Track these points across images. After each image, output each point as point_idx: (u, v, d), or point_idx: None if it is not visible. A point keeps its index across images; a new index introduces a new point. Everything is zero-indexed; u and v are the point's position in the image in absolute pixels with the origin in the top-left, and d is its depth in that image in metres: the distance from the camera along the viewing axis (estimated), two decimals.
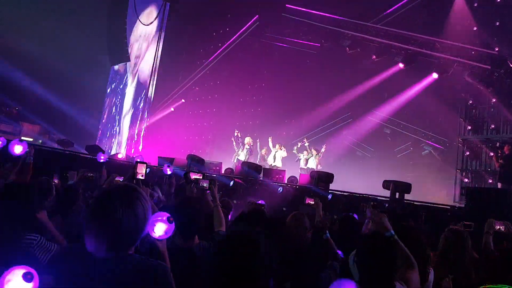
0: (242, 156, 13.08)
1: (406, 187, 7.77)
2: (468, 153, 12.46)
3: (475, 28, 12.12)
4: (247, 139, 13.46)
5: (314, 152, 12.97)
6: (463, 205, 7.41)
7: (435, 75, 12.40)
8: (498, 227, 4.09)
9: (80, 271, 1.42)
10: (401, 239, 2.26)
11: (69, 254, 1.53)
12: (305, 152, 13.20)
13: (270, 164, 13.04)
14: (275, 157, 13.27)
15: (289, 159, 13.92)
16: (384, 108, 15.73)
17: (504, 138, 11.57)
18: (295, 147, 13.66)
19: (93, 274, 1.41)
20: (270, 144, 13.50)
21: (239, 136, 13.75)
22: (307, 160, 13.08)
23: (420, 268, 2.29)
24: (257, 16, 15.89)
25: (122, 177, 4.11)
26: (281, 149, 13.42)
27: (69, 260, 1.48)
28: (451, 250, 3.12)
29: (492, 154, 10.89)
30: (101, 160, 5.39)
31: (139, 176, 3.18)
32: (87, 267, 1.42)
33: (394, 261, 1.89)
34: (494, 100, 12.08)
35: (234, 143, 13.71)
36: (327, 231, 2.85)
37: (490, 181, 11.31)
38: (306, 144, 13.49)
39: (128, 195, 1.46)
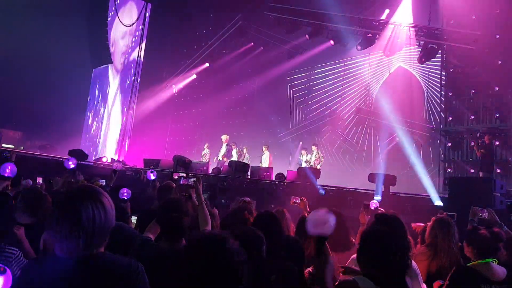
0: (220, 155, 13.04)
1: (391, 180, 7.87)
2: (450, 144, 12.70)
3: None
4: (224, 137, 13.37)
5: (314, 148, 12.73)
6: (446, 195, 7.54)
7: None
8: (481, 214, 4.20)
9: (54, 275, 1.40)
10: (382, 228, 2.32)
11: (42, 261, 1.52)
12: (303, 152, 12.95)
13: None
14: (262, 159, 13.19)
15: (279, 157, 13.93)
16: (368, 101, 15.93)
17: (483, 128, 11.83)
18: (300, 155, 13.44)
19: (68, 276, 1.40)
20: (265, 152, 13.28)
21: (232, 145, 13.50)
22: (308, 161, 12.84)
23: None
24: (240, 14, 15.87)
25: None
26: (267, 151, 13.32)
27: (42, 266, 1.47)
28: (438, 238, 3.21)
29: (473, 144, 11.12)
30: (71, 167, 5.09)
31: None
32: (61, 271, 1.41)
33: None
34: (473, 91, 12.34)
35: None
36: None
37: (472, 170, 11.56)
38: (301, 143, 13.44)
39: (94, 193, 1.49)
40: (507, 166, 11.25)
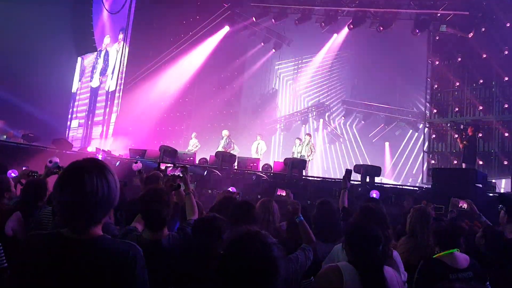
0: (221, 148, 12.83)
1: (376, 171, 7.99)
2: (434, 135, 12.91)
3: None
4: (225, 132, 13.23)
5: (307, 138, 12.48)
6: (430, 186, 7.69)
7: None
8: (461, 205, 4.30)
9: (53, 254, 1.40)
10: (364, 218, 2.39)
11: (42, 238, 1.49)
12: (297, 141, 12.72)
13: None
14: (257, 149, 13.03)
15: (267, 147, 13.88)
16: (355, 92, 16.07)
17: (467, 120, 12.06)
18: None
19: (66, 256, 1.39)
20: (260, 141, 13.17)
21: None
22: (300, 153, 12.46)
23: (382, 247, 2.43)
24: (228, 4, 15.72)
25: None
26: (262, 140, 13.18)
27: (41, 243, 1.45)
28: (417, 228, 3.27)
29: (456, 136, 11.33)
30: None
31: None
32: (59, 250, 1.40)
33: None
34: (457, 84, 12.53)
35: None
36: (300, 214, 2.90)
37: (455, 162, 11.80)
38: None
39: (100, 166, 1.48)
40: (489, 158, 11.51)
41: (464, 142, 9.83)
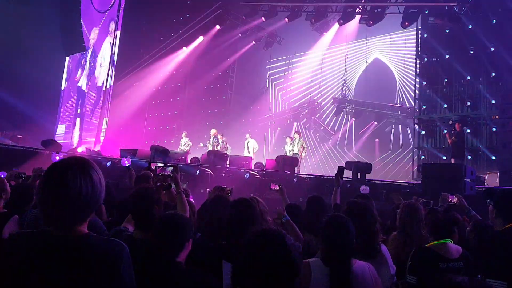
0: (210, 147, 12.78)
1: (367, 168, 8.05)
2: (423, 131, 13.05)
3: None
4: (213, 131, 13.20)
5: (296, 136, 12.41)
6: (420, 181, 7.77)
7: None
8: (450, 199, 4.35)
9: (37, 252, 1.39)
10: (351, 215, 2.42)
11: (27, 236, 1.48)
12: (288, 140, 12.61)
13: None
14: (248, 147, 13.02)
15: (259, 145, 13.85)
16: (344, 91, 16.15)
17: (456, 116, 12.21)
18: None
19: (51, 255, 1.38)
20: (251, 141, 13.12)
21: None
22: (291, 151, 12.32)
23: (368, 242, 2.54)
24: (219, 3, 15.67)
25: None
26: (251, 138, 13.14)
27: (26, 241, 1.44)
28: (407, 223, 3.30)
29: (445, 131, 11.46)
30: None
31: None
32: (44, 249, 1.39)
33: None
34: (446, 80, 12.67)
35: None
36: (286, 214, 2.94)
37: (444, 157, 11.94)
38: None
39: (83, 165, 1.47)
40: (477, 153, 11.67)
41: (453, 138, 9.96)
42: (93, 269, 1.39)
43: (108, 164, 8.47)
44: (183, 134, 13.72)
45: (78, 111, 17.57)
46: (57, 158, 5.92)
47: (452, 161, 9.91)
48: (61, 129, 17.87)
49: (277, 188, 4.16)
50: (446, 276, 1.27)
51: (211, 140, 12.84)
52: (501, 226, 2.92)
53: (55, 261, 1.38)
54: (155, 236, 2.07)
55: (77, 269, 1.38)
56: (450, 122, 11.00)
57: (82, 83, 17.82)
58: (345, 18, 13.79)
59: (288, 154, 11.95)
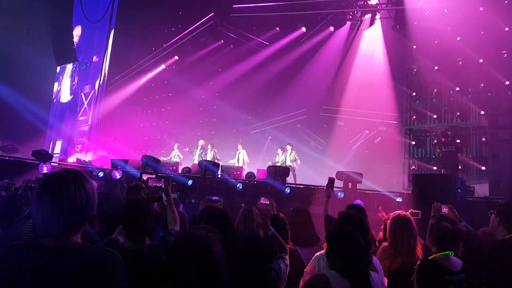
0: (197, 158, 12.72)
1: (358, 177, 8.08)
2: (414, 142, 13.18)
3: None
4: (200, 142, 13.19)
5: (288, 148, 12.42)
6: (410, 192, 7.81)
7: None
8: (443, 210, 4.38)
9: (31, 264, 1.41)
10: (343, 224, 2.44)
11: (19, 249, 1.49)
12: (279, 151, 12.64)
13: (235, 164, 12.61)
14: (239, 158, 13.04)
15: (250, 155, 13.87)
16: (334, 99, 16.22)
17: (445, 126, 12.36)
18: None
19: (45, 266, 1.40)
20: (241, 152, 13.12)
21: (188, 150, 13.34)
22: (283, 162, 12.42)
23: None
24: (212, 13, 15.80)
25: None
26: (243, 149, 13.12)
27: (19, 254, 1.45)
28: (397, 234, 3.30)
29: (435, 141, 11.59)
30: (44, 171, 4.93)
31: None
32: (38, 260, 1.42)
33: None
34: (435, 91, 12.86)
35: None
36: (271, 227, 2.96)
37: (435, 168, 12.04)
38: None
39: (77, 176, 1.52)
40: (467, 163, 11.80)
41: (443, 148, 10.05)
42: (87, 279, 1.42)
43: (101, 174, 8.40)
44: (175, 146, 13.68)
45: (70, 120, 17.44)
46: (45, 168, 5.85)
47: (442, 171, 9.99)
48: (52, 139, 17.69)
49: (268, 202, 4.17)
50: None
51: (198, 150, 12.82)
52: (502, 235, 2.97)
53: (50, 271, 1.40)
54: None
55: (72, 279, 1.41)
56: (441, 133, 11.08)
57: (73, 93, 17.72)
58: (336, 26, 14.06)
59: (279, 165, 11.94)
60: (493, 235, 3.31)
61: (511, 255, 2.55)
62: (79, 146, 16.01)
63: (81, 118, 16.81)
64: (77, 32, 17.69)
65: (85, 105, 16.84)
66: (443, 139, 10.09)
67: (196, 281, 1.40)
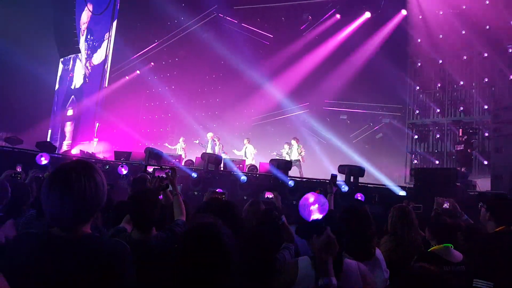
0: (209, 150, 12.70)
1: (359, 171, 8.10)
2: (416, 136, 13.17)
3: None
4: (209, 134, 13.18)
5: (293, 142, 12.35)
6: (412, 185, 7.84)
7: None
8: (445, 204, 4.42)
9: (41, 254, 1.42)
10: (348, 218, 2.47)
11: (30, 237, 1.51)
12: (285, 146, 12.57)
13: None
14: (246, 153, 12.90)
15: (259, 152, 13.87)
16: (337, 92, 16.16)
17: (449, 121, 12.34)
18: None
19: (55, 255, 1.42)
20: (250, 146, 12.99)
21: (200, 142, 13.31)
22: (289, 155, 12.29)
23: (363, 245, 2.56)
24: (215, 6, 15.74)
25: None
26: (249, 144, 13.04)
27: (29, 242, 1.47)
28: (398, 226, 3.35)
29: (438, 136, 11.58)
30: (42, 163, 4.94)
31: None
32: (48, 250, 1.43)
33: None
34: (439, 85, 12.81)
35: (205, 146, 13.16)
36: (283, 216, 2.99)
37: (437, 162, 12.04)
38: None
39: (87, 167, 1.53)
40: (469, 158, 11.77)
41: (461, 147, 10.02)
42: (96, 269, 1.43)
43: (107, 167, 8.48)
44: (181, 140, 13.67)
45: (72, 113, 17.50)
46: (42, 159, 5.87)
47: (463, 169, 9.87)
48: (54, 130, 17.77)
49: (272, 196, 4.21)
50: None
51: (210, 143, 12.82)
52: (493, 228, 3.00)
53: (59, 261, 1.42)
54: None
55: (81, 269, 1.42)
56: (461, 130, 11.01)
57: (76, 84, 17.75)
58: (343, 13, 14.16)
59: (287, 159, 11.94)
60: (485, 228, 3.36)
61: (502, 248, 2.58)
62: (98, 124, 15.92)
63: (83, 109, 16.85)
64: (80, 23, 17.67)
65: (88, 96, 16.88)
66: (464, 137, 10.06)
67: (208, 269, 1.42)
